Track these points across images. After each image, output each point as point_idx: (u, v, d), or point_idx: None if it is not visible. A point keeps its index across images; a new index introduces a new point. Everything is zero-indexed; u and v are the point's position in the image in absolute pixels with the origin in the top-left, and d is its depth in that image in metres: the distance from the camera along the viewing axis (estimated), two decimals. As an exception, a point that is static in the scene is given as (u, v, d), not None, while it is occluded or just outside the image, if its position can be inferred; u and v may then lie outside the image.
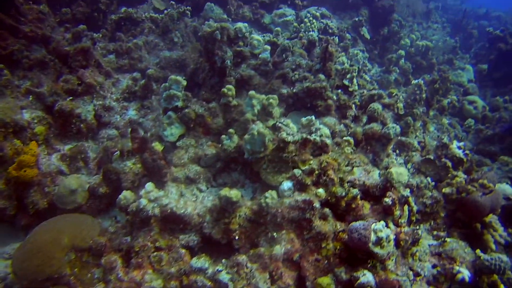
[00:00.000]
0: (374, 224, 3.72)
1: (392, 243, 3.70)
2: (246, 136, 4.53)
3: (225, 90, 5.12)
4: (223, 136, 4.83)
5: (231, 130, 4.80)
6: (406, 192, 4.45)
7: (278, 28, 8.12)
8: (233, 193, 4.18)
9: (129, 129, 4.56)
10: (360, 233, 3.65)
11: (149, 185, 4.20)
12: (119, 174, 4.71)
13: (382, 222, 3.77)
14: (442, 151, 5.55)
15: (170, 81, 5.18)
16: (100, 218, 4.83)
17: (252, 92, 5.10)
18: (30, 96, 5.42)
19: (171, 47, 7.33)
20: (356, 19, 10.02)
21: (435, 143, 6.11)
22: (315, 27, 9.26)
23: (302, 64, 6.72)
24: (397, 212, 4.23)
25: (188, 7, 7.63)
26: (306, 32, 8.87)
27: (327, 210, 4.17)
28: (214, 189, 5.05)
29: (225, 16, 9.57)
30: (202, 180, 5.04)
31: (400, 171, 4.48)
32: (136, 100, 6.42)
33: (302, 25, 9.33)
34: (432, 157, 5.54)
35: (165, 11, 7.59)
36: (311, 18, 9.45)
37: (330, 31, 9.47)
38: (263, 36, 8.03)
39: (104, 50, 6.64)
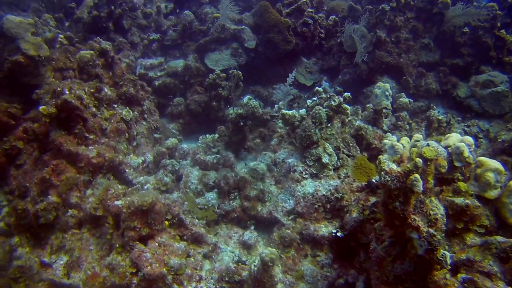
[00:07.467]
0: None
1: None
2: None
3: None
4: None
5: None
6: None
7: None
8: None
9: None
10: None
11: None
12: None
13: None
14: None
15: None
16: None
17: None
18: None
19: (316, 172, 3.93)
20: None
21: None
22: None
23: None
24: None
25: (347, 94, 4.34)
26: None
27: None
28: None
29: (404, 98, 5.98)
30: None
31: None
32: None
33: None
34: None
35: (308, 102, 4.44)
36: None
37: None
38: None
39: (200, 184, 3.73)
